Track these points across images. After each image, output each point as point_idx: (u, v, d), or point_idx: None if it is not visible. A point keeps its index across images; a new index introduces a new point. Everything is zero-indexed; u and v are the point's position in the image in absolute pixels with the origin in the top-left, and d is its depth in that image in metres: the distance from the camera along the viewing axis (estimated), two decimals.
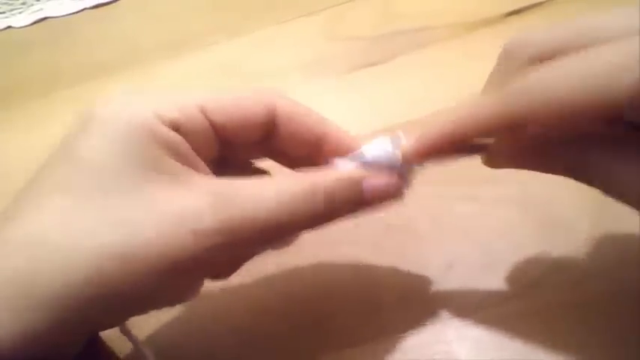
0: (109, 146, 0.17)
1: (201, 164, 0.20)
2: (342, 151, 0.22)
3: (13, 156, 0.38)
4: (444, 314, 0.26)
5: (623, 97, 0.15)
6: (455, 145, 0.20)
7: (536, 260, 0.26)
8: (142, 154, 0.18)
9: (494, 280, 0.26)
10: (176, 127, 0.19)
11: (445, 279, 0.27)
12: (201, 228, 0.17)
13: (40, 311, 0.16)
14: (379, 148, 0.21)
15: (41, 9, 0.52)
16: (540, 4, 0.39)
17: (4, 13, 0.53)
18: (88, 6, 0.51)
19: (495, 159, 0.21)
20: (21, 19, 0.51)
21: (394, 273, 0.28)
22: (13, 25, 0.51)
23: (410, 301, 0.27)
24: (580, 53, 0.16)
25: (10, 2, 0.53)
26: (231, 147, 0.21)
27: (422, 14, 0.41)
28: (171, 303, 0.22)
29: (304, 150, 0.22)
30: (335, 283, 0.28)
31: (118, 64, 0.44)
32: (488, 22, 0.39)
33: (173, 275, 0.17)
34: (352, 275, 0.28)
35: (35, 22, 0.51)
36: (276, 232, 0.19)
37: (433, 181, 0.23)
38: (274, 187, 0.19)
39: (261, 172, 0.25)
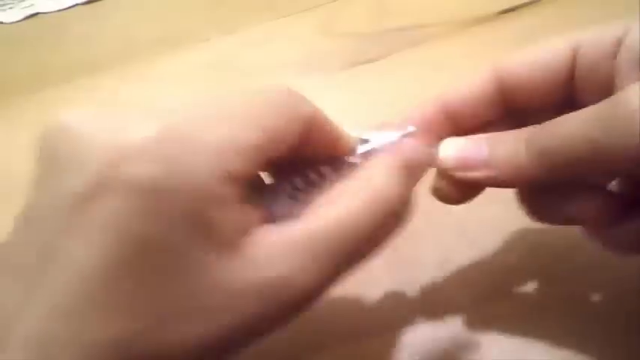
0: (163, 223, 0.14)
1: (251, 211, 0.17)
2: (332, 139, 0.20)
3: (4, 153, 0.38)
4: (439, 312, 0.26)
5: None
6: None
7: (531, 257, 0.26)
8: (203, 229, 0.15)
9: (489, 278, 0.26)
10: (238, 182, 0.15)
11: (439, 276, 0.27)
12: (282, 299, 0.16)
13: None
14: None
15: (32, 4, 0.51)
16: (534, 2, 0.39)
17: None
18: (79, 2, 0.51)
19: None
20: (12, 14, 0.51)
21: (388, 270, 0.28)
22: (3, 20, 0.51)
23: (404, 299, 0.27)
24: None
25: None
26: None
27: (417, 12, 0.41)
28: None
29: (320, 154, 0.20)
30: None
31: (111, 60, 0.44)
32: (483, 19, 0.39)
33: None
34: (349, 273, 0.28)
35: (26, 18, 0.51)
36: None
37: (427, 179, 0.23)
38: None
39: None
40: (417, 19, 0.40)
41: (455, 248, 0.27)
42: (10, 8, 0.52)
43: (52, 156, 0.15)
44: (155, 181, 0.14)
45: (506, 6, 0.39)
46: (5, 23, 0.51)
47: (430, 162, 0.21)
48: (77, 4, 0.51)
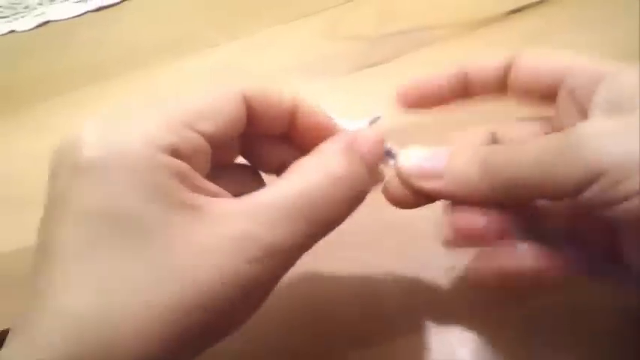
0: (124, 194, 0.16)
1: (208, 184, 0.18)
2: (319, 121, 0.22)
3: (16, 159, 0.38)
4: (447, 317, 0.26)
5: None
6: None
7: None
8: (155, 192, 0.16)
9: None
10: (178, 154, 0.17)
11: (447, 281, 0.27)
12: (250, 254, 0.17)
13: None
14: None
15: (43, 13, 0.52)
16: (541, 2, 0.39)
17: (7, 17, 0.53)
18: (89, 9, 0.51)
19: None
20: (24, 23, 0.52)
21: (396, 275, 0.28)
22: (16, 29, 0.51)
23: (412, 304, 0.26)
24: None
25: (14, 7, 0.54)
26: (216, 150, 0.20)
27: (422, 14, 0.41)
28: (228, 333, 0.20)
29: (280, 127, 0.21)
30: (336, 286, 0.28)
31: (120, 66, 0.45)
32: (490, 21, 0.39)
33: (241, 303, 0.17)
34: (353, 278, 0.28)
35: (38, 26, 0.51)
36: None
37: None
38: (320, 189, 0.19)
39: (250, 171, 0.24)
40: (422, 21, 0.40)
41: (462, 253, 0.27)
42: (23, 17, 0.53)
43: None
44: (93, 160, 0.16)
45: (513, 7, 0.39)
46: (17, 32, 0.51)
47: (378, 155, 0.21)
48: (87, 12, 0.51)
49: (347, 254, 0.29)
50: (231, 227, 0.17)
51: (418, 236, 0.28)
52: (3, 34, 0.51)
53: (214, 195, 0.18)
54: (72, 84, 0.44)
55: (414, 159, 0.21)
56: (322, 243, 0.29)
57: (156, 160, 0.16)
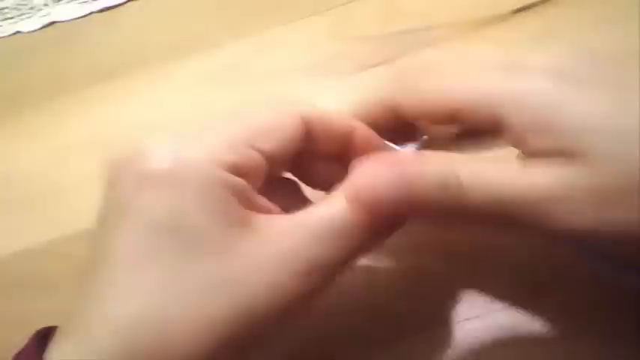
0: (189, 207, 0.17)
1: (263, 200, 0.19)
2: (372, 144, 0.22)
3: (21, 160, 0.38)
4: (452, 318, 0.26)
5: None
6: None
7: (545, 261, 0.26)
8: (216, 208, 0.17)
9: (500, 284, 0.26)
10: (238, 172, 0.18)
11: (448, 279, 0.27)
12: (296, 269, 0.17)
13: None
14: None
15: (49, 13, 0.52)
16: (547, 0, 0.39)
17: (12, 18, 0.53)
18: (94, 10, 0.51)
19: None
20: (29, 24, 0.52)
21: (399, 276, 0.27)
22: (21, 30, 0.52)
23: (417, 305, 0.26)
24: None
25: (19, 8, 0.54)
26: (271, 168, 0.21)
27: (428, 13, 0.40)
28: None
29: (334, 148, 0.22)
30: (339, 288, 0.28)
31: (126, 66, 0.45)
32: (496, 19, 0.39)
33: (278, 321, 0.18)
34: (353, 281, 0.28)
35: (43, 27, 0.51)
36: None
37: None
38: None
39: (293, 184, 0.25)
40: (428, 20, 0.40)
41: (463, 250, 0.27)
42: (28, 18, 0.53)
43: None
44: (161, 172, 0.17)
45: (520, 5, 0.39)
46: (23, 33, 0.52)
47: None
48: (92, 12, 0.51)
49: None
50: (280, 243, 0.17)
51: (419, 237, 0.28)
52: (8, 35, 0.51)
53: (267, 211, 0.19)
54: (77, 84, 0.44)
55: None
56: None
57: (218, 177, 0.17)
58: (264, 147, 0.19)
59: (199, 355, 0.16)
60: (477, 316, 0.25)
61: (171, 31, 0.47)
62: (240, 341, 0.17)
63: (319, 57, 0.40)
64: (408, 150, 0.23)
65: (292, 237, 0.18)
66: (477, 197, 0.18)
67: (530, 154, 0.18)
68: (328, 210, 0.19)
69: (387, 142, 0.23)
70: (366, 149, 0.22)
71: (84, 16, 0.51)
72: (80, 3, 0.52)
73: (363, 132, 0.22)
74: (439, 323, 0.25)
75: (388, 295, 0.27)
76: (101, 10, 0.51)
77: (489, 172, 0.18)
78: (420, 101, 0.20)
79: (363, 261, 0.28)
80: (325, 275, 0.18)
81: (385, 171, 0.19)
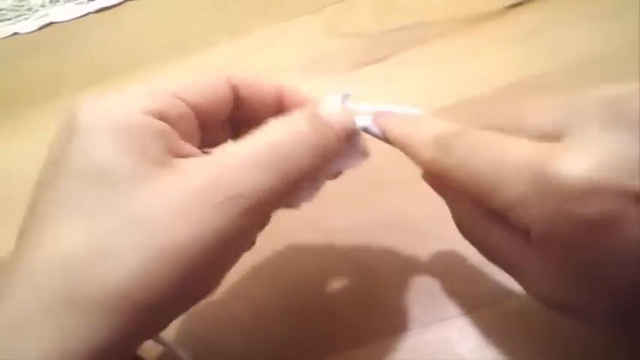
0: (103, 151, 0.17)
1: (190, 148, 0.20)
2: (302, 102, 0.23)
3: (19, 161, 0.39)
4: (447, 312, 0.26)
5: (501, 205, 0.17)
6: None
7: None
8: (131, 148, 0.17)
9: (497, 277, 0.26)
10: (161, 117, 0.19)
11: (447, 276, 0.27)
12: (220, 200, 0.17)
13: (94, 318, 0.16)
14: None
15: (47, 14, 0.52)
16: None
17: (10, 19, 0.53)
18: (92, 10, 0.52)
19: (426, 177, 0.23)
20: (27, 25, 0.52)
21: (396, 271, 0.28)
22: (19, 31, 0.52)
23: (412, 300, 0.27)
24: (497, 141, 0.18)
25: (17, 9, 0.54)
26: (206, 130, 0.22)
27: (422, 10, 0.41)
28: (208, 291, 0.20)
29: (268, 114, 0.22)
30: (337, 283, 0.28)
31: (123, 67, 0.45)
32: (490, 15, 0.39)
33: (214, 254, 0.17)
34: (354, 275, 0.28)
35: (41, 28, 0.52)
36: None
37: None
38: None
39: None
40: (422, 17, 0.40)
41: (461, 249, 0.27)
42: (25, 19, 0.53)
43: None
44: (83, 124, 0.18)
45: (512, 1, 0.39)
46: (21, 34, 0.52)
47: (343, 118, 0.21)
48: (90, 13, 0.52)
49: (349, 251, 0.29)
50: (196, 178, 0.18)
51: (417, 232, 0.28)
52: (6, 37, 0.52)
53: (194, 157, 0.19)
54: (75, 84, 0.44)
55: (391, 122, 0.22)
56: (323, 240, 0.29)
57: (136, 120, 0.18)
58: (189, 98, 0.20)
59: (117, 297, 0.16)
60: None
61: (168, 30, 0.48)
62: (166, 279, 0.16)
63: (315, 55, 0.40)
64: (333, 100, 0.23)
65: (210, 170, 0.18)
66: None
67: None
68: (246, 143, 0.19)
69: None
70: (297, 106, 0.23)
71: (81, 16, 0.51)
72: (77, 3, 0.52)
73: (292, 91, 0.23)
74: (430, 320, 0.26)
75: (380, 293, 0.27)
76: (98, 11, 0.51)
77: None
78: (469, 182, 0.19)
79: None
80: (248, 208, 0.18)
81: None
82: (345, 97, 0.22)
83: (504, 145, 0.18)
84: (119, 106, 0.18)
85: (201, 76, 0.21)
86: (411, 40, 0.39)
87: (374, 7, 0.43)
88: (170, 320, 0.19)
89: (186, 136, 0.20)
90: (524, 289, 0.19)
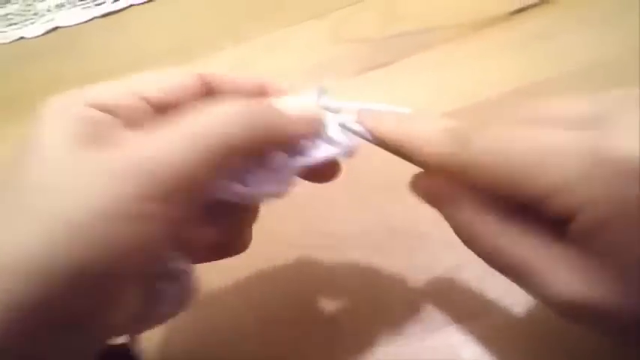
0: (41, 137, 0.19)
1: (136, 135, 0.20)
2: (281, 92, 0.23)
3: None
4: (451, 318, 0.26)
5: (541, 191, 0.16)
6: (392, 148, 0.21)
7: None
8: (71, 135, 0.19)
9: (502, 284, 0.26)
10: (106, 109, 0.20)
11: (453, 282, 0.27)
12: (130, 173, 0.17)
13: (6, 282, 0.16)
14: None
15: (52, 19, 0.53)
16: (545, 2, 0.39)
17: (16, 24, 0.54)
18: (97, 15, 0.52)
19: (416, 187, 0.22)
20: (33, 29, 0.52)
21: (401, 277, 0.28)
22: (25, 35, 0.52)
23: (417, 305, 0.27)
24: (529, 131, 0.17)
25: (23, 14, 0.54)
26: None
27: (426, 15, 0.41)
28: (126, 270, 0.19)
29: None
30: (343, 288, 0.28)
31: (128, 71, 0.44)
32: (494, 20, 0.39)
33: (119, 228, 0.17)
34: (360, 280, 0.28)
35: (47, 32, 0.52)
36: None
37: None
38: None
39: None
40: (426, 22, 0.40)
41: (467, 254, 0.27)
42: (32, 23, 0.53)
43: None
44: (40, 116, 0.19)
45: (518, 6, 0.39)
46: (27, 38, 0.52)
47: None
48: (95, 18, 0.52)
49: (354, 256, 0.29)
50: (111, 153, 0.18)
51: (422, 239, 0.28)
52: (13, 41, 0.52)
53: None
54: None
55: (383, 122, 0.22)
56: (329, 245, 0.29)
57: (78, 111, 0.19)
58: (147, 92, 0.21)
59: (23, 261, 0.16)
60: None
61: (173, 35, 0.48)
62: (67, 247, 0.16)
63: (319, 60, 0.41)
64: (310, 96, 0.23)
65: (132, 145, 0.18)
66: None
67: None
68: (196, 115, 0.19)
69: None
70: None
71: (87, 21, 0.52)
72: (83, 8, 0.53)
73: (275, 86, 0.24)
74: (434, 324, 0.26)
75: (386, 296, 0.27)
76: (104, 15, 0.52)
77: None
78: (488, 178, 0.18)
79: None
80: (174, 179, 0.18)
81: None
82: (321, 91, 0.22)
83: (539, 133, 0.17)
84: (70, 99, 0.20)
85: (167, 72, 0.22)
86: (415, 46, 0.39)
87: (379, 12, 0.43)
88: (93, 296, 0.18)
89: (136, 126, 0.20)
90: (538, 293, 0.17)
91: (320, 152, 0.21)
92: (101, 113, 0.20)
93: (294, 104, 0.21)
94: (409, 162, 0.21)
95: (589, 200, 0.15)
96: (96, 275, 0.17)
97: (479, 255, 0.20)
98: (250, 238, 0.23)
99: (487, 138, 0.18)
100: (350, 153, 0.22)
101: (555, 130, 0.17)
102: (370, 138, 0.22)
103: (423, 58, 0.38)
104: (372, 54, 0.40)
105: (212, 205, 0.20)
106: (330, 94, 0.23)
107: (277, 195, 0.21)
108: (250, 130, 0.19)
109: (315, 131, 0.22)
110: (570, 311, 0.17)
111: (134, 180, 0.17)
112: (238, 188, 0.20)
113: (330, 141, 0.22)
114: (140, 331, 0.21)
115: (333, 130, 0.22)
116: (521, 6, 0.39)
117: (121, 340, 0.21)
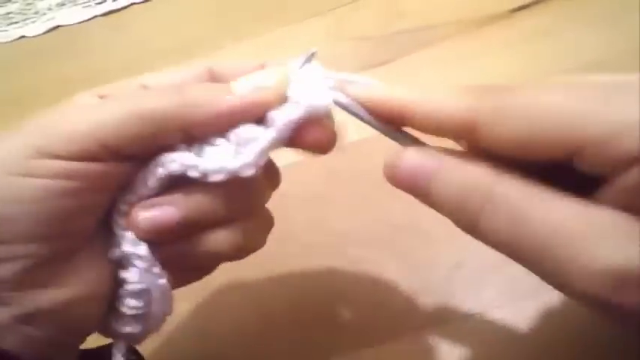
0: None
1: None
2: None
3: None
4: (453, 314, 0.26)
5: (577, 145, 0.15)
6: (396, 118, 0.19)
7: None
8: None
9: (503, 280, 0.26)
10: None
11: (454, 279, 0.27)
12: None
13: None
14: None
15: (53, 17, 0.53)
16: None
17: (17, 22, 0.54)
18: (98, 13, 0.52)
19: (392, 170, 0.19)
20: (34, 28, 0.52)
21: (403, 274, 0.28)
22: (26, 34, 0.52)
23: (419, 302, 0.27)
24: (556, 88, 0.16)
25: (24, 12, 0.55)
26: None
27: (427, 12, 0.41)
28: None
29: None
30: (344, 284, 0.28)
31: (129, 69, 0.45)
32: (495, 18, 0.39)
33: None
34: (361, 277, 0.28)
35: (48, 31, 0.52)
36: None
37: None
38: None
39: None
40: (427, 20, 0.40)
41: (468, 251, 0.27)
42: (33, 22, 0.53)
43: None
44: None
45: (519, 3, 0.39)
46: (28, 37, 0.52)
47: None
48: (96, 16, 0.52)
49: (355, 253, 0.29)
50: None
51: (423, 236, 0.28)
52: (14, 40, 0.52)
53: None
54: (81, 87, 0.44)
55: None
56: (330, 242, 0.29)
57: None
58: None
59: None
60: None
61: (174, 34, 0.48)
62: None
63: (320, 58, 0.40)
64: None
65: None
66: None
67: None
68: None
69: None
70: None
71: (87, 20, 0.52)
72: (84, 7, 0.53)
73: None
74: (435, 321, 0.26)
75: (386, 292, 0.27)
76: (105, 14, 0.52)
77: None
78: (506, 139, 0.16)
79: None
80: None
81: None
82: (310, 56, 0.21)
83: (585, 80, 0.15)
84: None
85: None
86: (416, 43, 0.39)
87: (380, 9, 0.43)
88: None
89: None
90: (570, 269, 0.14)
91: (282, 117, 0.20)
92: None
93: (244, 84, 0.20)
94: (398, 137, 0.19)
95: None
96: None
97: (491, 235, 0.17)
98: (263, 243, 0.22)
99: (532, 90, 0.16)
100: (316, 112, 0.20)
101: (614, 82, 0.15)
102: (357, 106, 0.20)
103: (424, 55, 0.38)
104: (372, 52, 0.40)
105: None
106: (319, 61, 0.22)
107: (245, 170, 0.20)
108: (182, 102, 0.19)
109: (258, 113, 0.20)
110: (609, 287, 0.14)
111: (35, 137, 0.18)
112: (189, 158, 0.19)
113: (293, 102, 0.20)
114: (120, 331, 0.21)
115: (293, 91, 0.20)
116: (522, 4, 0.39)
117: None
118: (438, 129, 0.18)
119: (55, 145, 0.18)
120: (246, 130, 0.20)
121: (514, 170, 0.16)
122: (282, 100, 0.20)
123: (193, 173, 0.19)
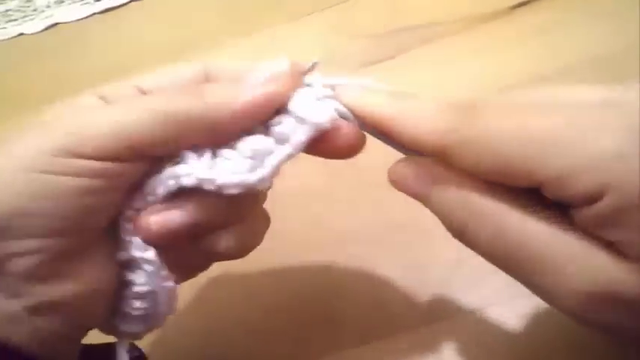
0: None
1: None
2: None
3: None
4: (452, 312, 0.26)
5: (563, 170, 0.15)
6: (378, 130, 0.20)
7: None
8: None
9: (502, 278, 0.26)
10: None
11: (453, 276, 0.27)
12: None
13: None
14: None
15: (52, 15, 0.53)
16: None
17: (16, 20, 0.54)
18: (97, 11, 0.52)
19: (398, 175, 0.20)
20: (32, 25, 0.52)
21: (402, 272, 0.28)
22: (25, 31, 0.52)
23: (418, 299, 0.27)
24: (526, 116, 0.16)
25: (22, 9, 0.54)
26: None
27: (428, 10, 0.41)
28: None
29: None
30: (343, 282, 0.28)
31: (129, 67, 0.45)
32: (496, 15, 0.39)
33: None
34: (360, 274, 0.28)
35: (46, 29, 0.52)
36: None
37: None
38: None
39: None
40: (428, 17, 0.40)
41: (467, 249, 0.27)
42: (31, 20, 0.53)
43: None
44: None
45: (518, 0, 0.39)
46: (26, 34, 0.52)
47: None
48: (95, 13, 0.52)
49: (355, 251, 0.29)
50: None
51: (423, 234, 0.28)
52: (12, 37, 0.52)
53: None
54: (80, 85, 0.44)
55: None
56: (329, 239, 0.29)
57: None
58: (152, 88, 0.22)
59: None
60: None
61: (174, 30, 0.48)
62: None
63: (324, 54, 0.40)
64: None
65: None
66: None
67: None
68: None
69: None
70: None
71: (86, 17, 0.52)
72: (83, 4, 0.53)
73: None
74: (434, 318, 0.26)
75: (386, 290, 0.27)
76: (103, 11, 0.52)
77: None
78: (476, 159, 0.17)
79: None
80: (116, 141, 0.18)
81: None
82: (312, 66, 0.21)
83: (561, 108, 0.15)
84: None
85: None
86: (417, 40, 0.39)
87: (381, 6, 0.43)
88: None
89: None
90: (553, 289, 0.16)
91: (294, 135, 0.20)
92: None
93: (259, 75, 0.20)
94: (394, 146, 0.20)
95: (622, 179, 0.14)
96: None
97: (475, 246, 0.18)
98: (260, 242, 0.23)
99: (497, 113, 0.16)
100: (322, 128, 0.20)
101: (580, 106, 0.15)
102: (353, 117, 0.20)
103: (426, 52, 0.38)
104: (373, 48, 0.39)
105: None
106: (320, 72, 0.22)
107: (262, 184, 0.20)
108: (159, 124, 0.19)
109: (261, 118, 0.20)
110: (591, 305, 0.15)
111: (60, 136, 0.18)
112: (204, 172, 0.19)
113: (299, 119, 0.20)
114: (120, 328, 0.21)
115: (298, 107, 0.20)
116: (523, 0, 0.39)
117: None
118: (417, 149, 0.19)
119: (81, 144, 0.18)
120: (258, 143, 0.20)
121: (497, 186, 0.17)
122: (300, 83, 0.21)
123: (209, 187, 0.19)
